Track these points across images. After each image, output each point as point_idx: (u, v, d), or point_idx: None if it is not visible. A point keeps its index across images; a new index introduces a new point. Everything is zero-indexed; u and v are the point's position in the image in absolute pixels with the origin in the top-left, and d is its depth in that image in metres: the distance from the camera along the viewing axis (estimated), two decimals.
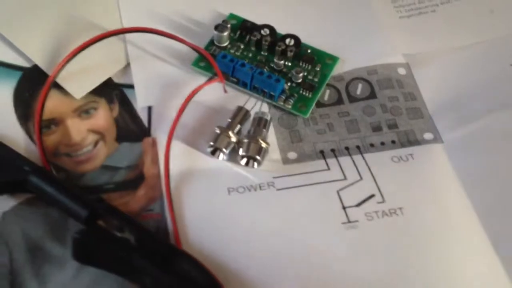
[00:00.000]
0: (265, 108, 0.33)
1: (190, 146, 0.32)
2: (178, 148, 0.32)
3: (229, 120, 0.32)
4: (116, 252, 0.27)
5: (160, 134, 0.33)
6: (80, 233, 0.27)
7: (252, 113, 0.32)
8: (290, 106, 0.33)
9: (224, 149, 0.31)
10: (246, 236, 0.29)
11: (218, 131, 0.31)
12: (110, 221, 0.28)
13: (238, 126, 0.32)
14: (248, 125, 0.32)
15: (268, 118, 0.32)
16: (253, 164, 0.31)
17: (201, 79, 0.34)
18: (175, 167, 0.31)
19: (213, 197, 0.30)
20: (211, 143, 0.31)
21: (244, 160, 0.31)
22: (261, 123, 0.32)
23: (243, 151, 0.31)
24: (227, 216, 0.30)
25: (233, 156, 0.32)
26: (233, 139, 0.31)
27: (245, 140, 0.31)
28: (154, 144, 0.32)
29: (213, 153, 0.32)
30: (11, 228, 0.29)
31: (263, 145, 0.31)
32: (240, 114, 0.32)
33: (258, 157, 0.31)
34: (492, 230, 0.29)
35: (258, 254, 0.29)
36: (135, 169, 0.32)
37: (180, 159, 0.32)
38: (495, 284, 0.28)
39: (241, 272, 0.28)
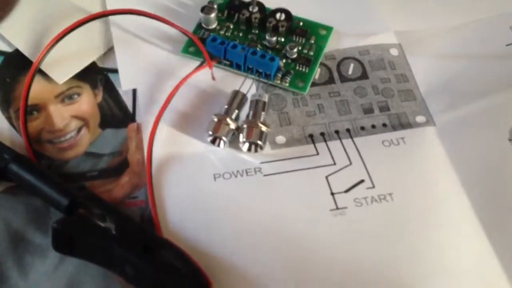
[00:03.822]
0: (254, 88, 0.32)
1: (176, 132, 0.31)
2: (163, 134, 0.31)
3: (226, 106, 0.31)
4: (96, 242, 0.27)
5: (145, 120, 0.32)
6: (60, 222, 0.27)
7: (247, 96, 0.31)
8: (287, 84, 0.32)
9: (224, 137, 0.30)
10: (231, 223, 0.29)
11: (215, 119, 0.30)
12: (92, 210, 0.28)
13: (236, 112, 0.31)
14: (245, 109, 0.31)
15: (266, 99, 0.31)
16: (255, 149, 0.30)
17: (190, 62, 0.34)
18: (160, 153, 0.31)
19: (198, 184, 0.30)
20: (210, 132, 0.30)
21: (246, 146, 0.30)
22: (259, 105, 0.31)
23: (243, 137, 0.30)
24: (212, 203, 0.29)
25: (233, 143, 0.31)
26: (232, 125, 0.30)
27: (245, 126, 0.30)
28: (139, 130, 0.32)
29: (213, 142, 0.31)
30: None
31: (264, 129, 0.30)
32: (237, 99, 0.31)
33: (259, 142, 0.30)
34: (484, 215, 0.29)
35: (244, 242, 0.28)
36: (119, 155, 0.31)
37: (166, 146, 0.31)
38: (486, 268, 0.27)
39: (226, 260, 0.27)
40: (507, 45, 0.34)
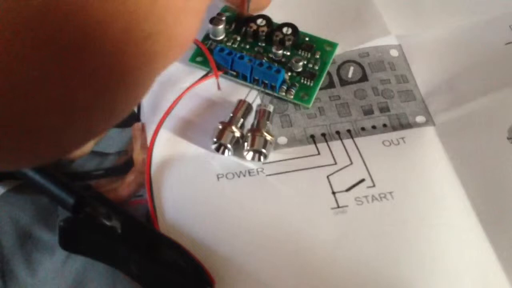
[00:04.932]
0: (259, 100, 0.33)
1: (181, 136, 0.32)
2: (168, 136, 0.32)
3: (231, 115, 0.31)
4: (102, 241, 0.27)
5: (150, 121, 0.32)
6: (66, 221, 0.27)
7: (252, 105, 0.32)
8: (292, 96, 0.33)
9: (228, 145, 0.30)
10: (235, 222, 0.29)
11: (220, 126, 0.31)
12: (98, 209, 0.28)
13: (241, 120, 0.31)
14: (251, 119, 0.32)
15: (271, 110, 0.31)
16: (259, 158, 0.31)
17: (195, 72, 0.34)
18: (164, 154, 0.31)
19: (202, 183, 0.30)
20: (215, 140, 0.30)
21: (250, 154, 0.31)
22: (264, 115, 0.31)
23: (248, 145, 0.30)
24: (216, 202, 0.30)
25: (237, 151, 0.31)
26: (237, 133, 0.30)
27: (249, 134, 0.30)
28: (143, 129, 0.32)
29: (217, 149, 0.31)
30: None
31: (268, 137, 0.30)
32: (242, 108, 0.31)
33: (264, 151, 0.30)
34: (483, 213, 0.29)
35: (246, 241, 0.28)
36: (124, 154, 0.32)
37: (169, 147, 0.31)
38: (486, 267, 0.28)
39: (229, 259, 0.28)
40: (506, 43, 0.35)
